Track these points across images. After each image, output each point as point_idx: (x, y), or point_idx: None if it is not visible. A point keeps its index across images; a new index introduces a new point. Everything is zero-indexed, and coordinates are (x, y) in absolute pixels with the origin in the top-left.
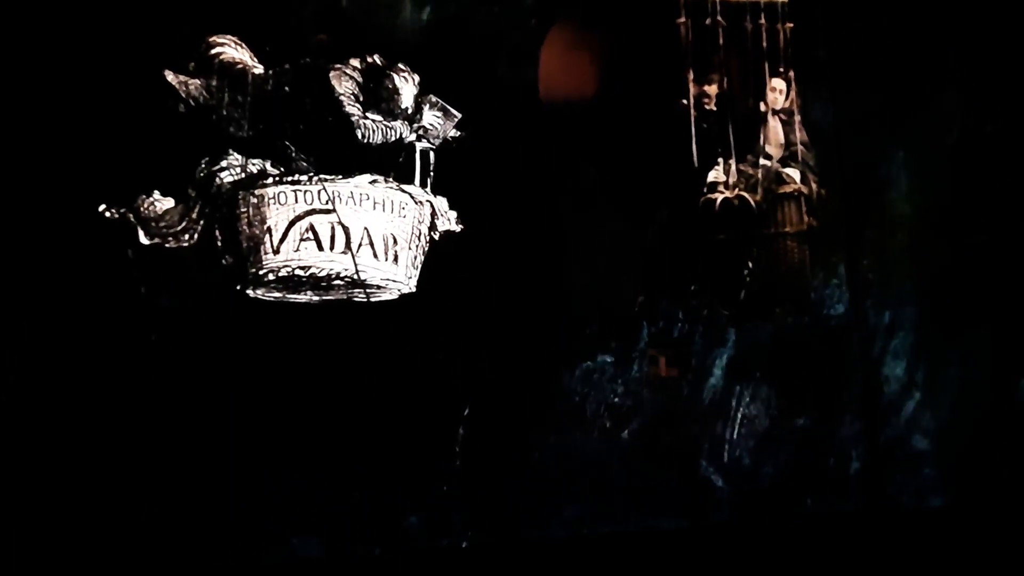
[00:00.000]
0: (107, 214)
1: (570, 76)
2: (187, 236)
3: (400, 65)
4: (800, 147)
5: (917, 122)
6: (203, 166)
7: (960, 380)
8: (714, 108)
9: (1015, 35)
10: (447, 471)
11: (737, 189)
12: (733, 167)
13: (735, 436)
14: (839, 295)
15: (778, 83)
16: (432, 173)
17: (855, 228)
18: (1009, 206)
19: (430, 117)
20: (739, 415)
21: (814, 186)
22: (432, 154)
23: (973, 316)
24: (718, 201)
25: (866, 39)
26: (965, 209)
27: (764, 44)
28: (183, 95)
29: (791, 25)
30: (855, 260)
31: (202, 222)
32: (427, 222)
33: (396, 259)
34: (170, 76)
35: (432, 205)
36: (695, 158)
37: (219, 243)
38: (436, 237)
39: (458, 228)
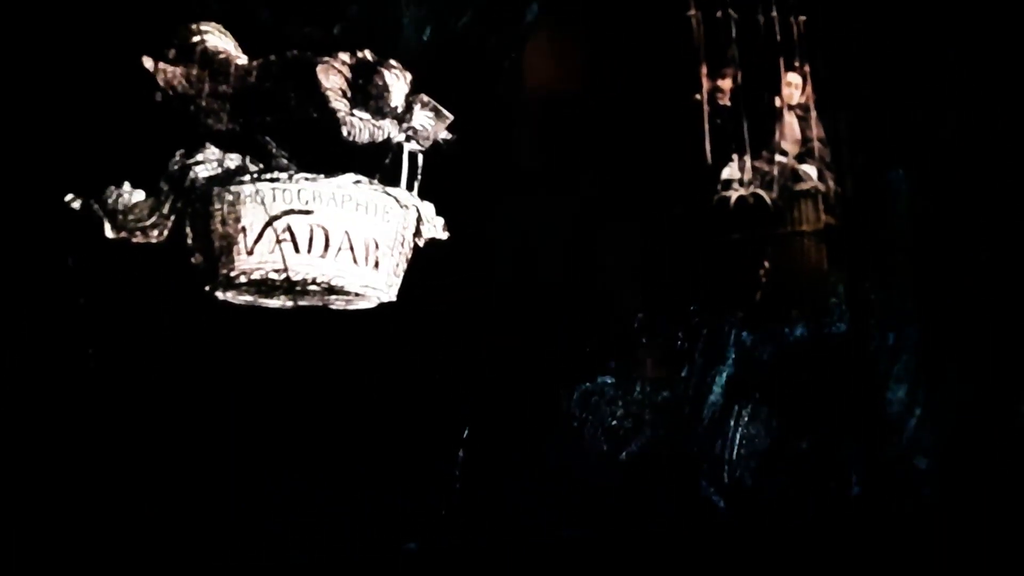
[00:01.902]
0: (73, 204)
1: (553, 64)
2: (156, 232)
3: (392, 62)
4: (817, 143)
5: (918, 142)
6: (177, 159)
7: (961, 403)
8: (728, 103)
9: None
10: (445, 495)
11: (752, 186)
12: (748, 164)
13: (734, 457)
14: (839, 314)
15: (793, 78)
16: (419, 176)
17: (857, 247)
18: (1012, 224)
19: (421, 117)
20: (738, 436)
21: (831, 183)
22: (420, 156)
23: (974, 338)
24: (733, 199)
25: (863, 50)
26: (967, 229)
27: (778, 37)
28: (161, 83)
29: (804, 18)
30: (857, 280)
31: (173, 217)
32: (412, 228)
33: (377, 265)
34: (148, 62)
35: (418, 210)
36: (708, 155)
37: (189, 241)
38: (421, 244)
39: (444, 235)
